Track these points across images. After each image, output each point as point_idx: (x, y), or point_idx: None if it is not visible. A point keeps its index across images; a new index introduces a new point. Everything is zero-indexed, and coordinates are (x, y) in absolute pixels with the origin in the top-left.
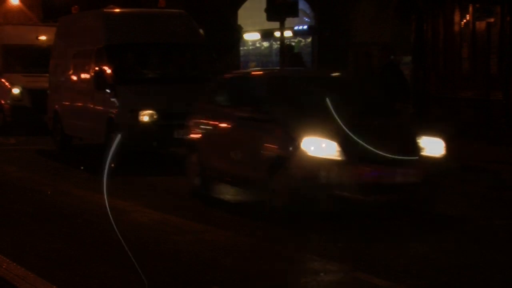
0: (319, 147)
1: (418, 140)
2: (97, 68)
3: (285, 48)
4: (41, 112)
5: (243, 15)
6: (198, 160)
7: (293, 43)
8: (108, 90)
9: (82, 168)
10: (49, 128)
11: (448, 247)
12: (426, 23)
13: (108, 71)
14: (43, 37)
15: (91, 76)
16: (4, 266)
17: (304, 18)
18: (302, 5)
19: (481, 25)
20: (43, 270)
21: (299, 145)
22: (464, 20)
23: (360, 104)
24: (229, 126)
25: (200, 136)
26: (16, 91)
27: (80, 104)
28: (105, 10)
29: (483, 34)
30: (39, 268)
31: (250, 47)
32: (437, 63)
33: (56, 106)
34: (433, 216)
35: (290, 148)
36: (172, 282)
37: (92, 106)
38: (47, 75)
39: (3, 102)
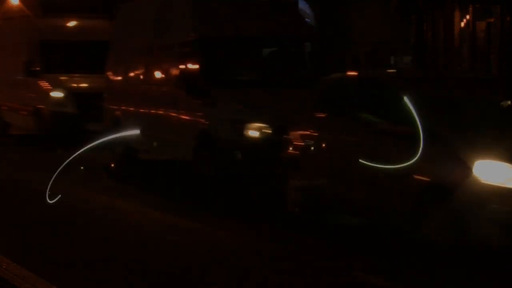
0: (496, 172)
1: None
2: (183, 67)
3: None
4: (87, 119)
5: None
6: (303, 183)
7: None
8: (200, 95)
9: (82, 168)
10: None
11: None
12: (426, 23)
13: (199, 70)
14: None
15: (172, 77)
16: (4, 266)
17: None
18: (302, 5)
19: (481, 25)
20: (43, 270)
21: (469, 169)
22: (464, 20)
23: None
24: (354, 141)
25: (308, 154)
26: (58, 94)
27: (155, 111)
28: None
29: (483, 34)
30: (39, 268)
31: None
32: (437, 63)
33: (118, 113)
34: None
35: (456, 174)
36: (172, 282)
37: (174, 114)
38: (96, 75)
39: (42, 107)
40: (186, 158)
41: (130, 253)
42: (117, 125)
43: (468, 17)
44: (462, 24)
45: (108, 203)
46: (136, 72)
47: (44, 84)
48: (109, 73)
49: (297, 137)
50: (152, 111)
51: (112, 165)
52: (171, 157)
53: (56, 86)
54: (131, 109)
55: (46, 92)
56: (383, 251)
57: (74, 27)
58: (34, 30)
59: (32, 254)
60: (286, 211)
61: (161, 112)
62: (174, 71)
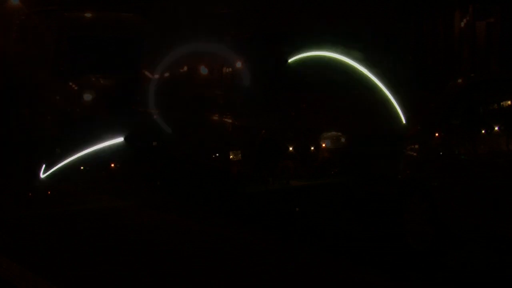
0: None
1: None
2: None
3: None
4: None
5: None
6: (427, 210)
7: None
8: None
9: (82, 168)
10: None
11: None
12: (426, 23)
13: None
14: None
15: (225, 80)
16: (4, 266)
17: None
18: None
19: (481, 25)
20: (43, 270)
21: None
22: (464, 20)
23: None
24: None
25: (435, 172)
26: (88, 98)
27: (204, 114)
28: None
29: (483, 34)
30: (39, 268)
31: None
32: (437, 63)
33: (156, 117)
34: None
35: None
36: (171, 282)
37: (229, 119)
38: (131, 76)
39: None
40: (241, 170)
41: (130, 253)
42: (155, 129)
43: (468, 17)
44: (462, 24)
45: (108, 203)
46: (181, 72)
47: (73, 87)
48: (147, 73)
49: (419, 151)
50: (201, 114)
51: (112, 165)
52: (217, 165)
53: (87, 88)
54: (173, 112)
55: (75, 96)
56: (383, 251)
57: (106, 21)
58: (60, 24)
59: (32, 254)
60: (407, 241)
61: (211, 116)
62: (230, 73)
